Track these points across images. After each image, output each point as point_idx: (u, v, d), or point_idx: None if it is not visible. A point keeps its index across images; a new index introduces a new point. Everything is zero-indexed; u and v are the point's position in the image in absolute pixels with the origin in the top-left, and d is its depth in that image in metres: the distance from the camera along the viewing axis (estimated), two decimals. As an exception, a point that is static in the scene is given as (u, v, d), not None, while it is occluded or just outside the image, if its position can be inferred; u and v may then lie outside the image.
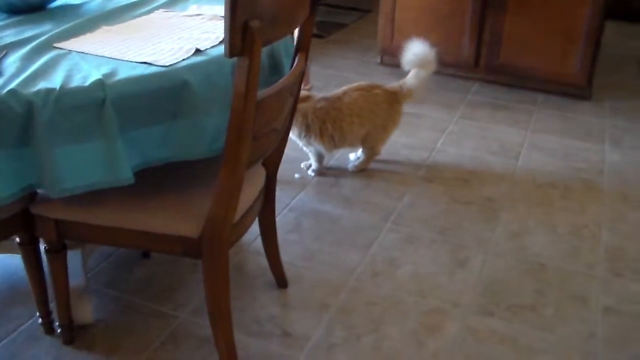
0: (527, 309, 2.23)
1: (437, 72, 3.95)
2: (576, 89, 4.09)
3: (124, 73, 1.56)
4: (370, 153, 3.07)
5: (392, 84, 3.05)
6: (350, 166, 3.10)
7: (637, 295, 2.33)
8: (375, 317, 2.17)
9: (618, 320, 2.20)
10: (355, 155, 3.16)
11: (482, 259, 2.50)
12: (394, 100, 3.00)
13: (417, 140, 3.47)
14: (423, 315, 2.18)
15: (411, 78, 3.02)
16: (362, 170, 3.09)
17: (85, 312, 2.06)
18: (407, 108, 3.77)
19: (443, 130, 3.60)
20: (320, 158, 3.00)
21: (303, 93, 2.74)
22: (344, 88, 2.96)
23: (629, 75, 4.59)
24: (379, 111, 2.95)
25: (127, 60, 1.65)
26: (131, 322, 2.10)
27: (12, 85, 1.47)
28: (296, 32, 1.87)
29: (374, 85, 3.00)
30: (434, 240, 2.60)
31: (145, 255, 2.41)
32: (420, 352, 2.03)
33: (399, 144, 3.42)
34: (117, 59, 1.66)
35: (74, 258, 2.00)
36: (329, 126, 2.84)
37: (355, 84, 2.98)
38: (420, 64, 2.99)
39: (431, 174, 3.13)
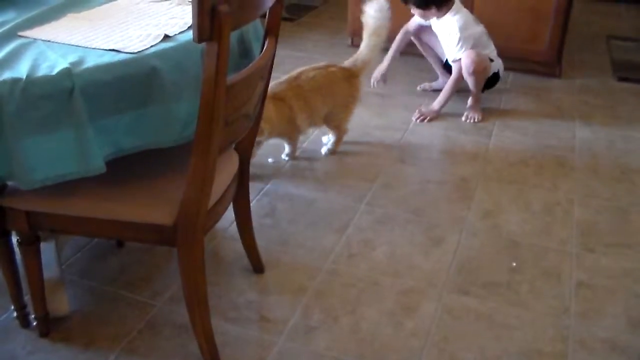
0: (502, 287, 2.26)
1: (407, 53, 3.98)
2: (546, 67, 4.12)
3: (91, 61, 1.54)
4: (338, 132, 3.08)
5: (346, 61, 3.05)
6: (323, 151, 3.10)
7: (609, 270, 2.36)
8: (352, 298, 2.18)
9: (591, 294, 2.24)
10: (327, 138, 3.17)
11: (456, 238, 2.52)
12: (350, 76, 3.01)
13: (390, 121, 3.48)
14: (399, 296, 2.20)
15: (363, 50, 3.02)
16: (334, 151, 3.09)
17: (61, 303, 2.04)
18: (378, 89, 3.78)
19: (414, 111, 3.60)
20: (294, 143, 3.00)
21: None
22: (297, 70, 2.95)
23: (597, 53, 4.63)
24: (338, 89, 2.97)
25: (94, 48, 1.63)
26: (108, 312, 2.09)
27: (-23, 76, 1.45)
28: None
29: (329, 64, 3.00)
30: (408, 220, 2.62)
31: (120, 244, 2.39)
32: (397, 332, 2.04)
33: (371, 125, 3.42)
34: (84, 47, 1.64)
35: (47, 250, 1.98)
36: (302, 102, 2.84)
37: (309, 66, 2.98)
38: (378, 24, 2.96)
39: (404, 155, 3.14)
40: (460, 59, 3.47)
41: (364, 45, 3.03)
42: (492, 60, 3.56)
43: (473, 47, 3.46)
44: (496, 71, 3.61)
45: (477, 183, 2.90)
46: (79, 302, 2.12)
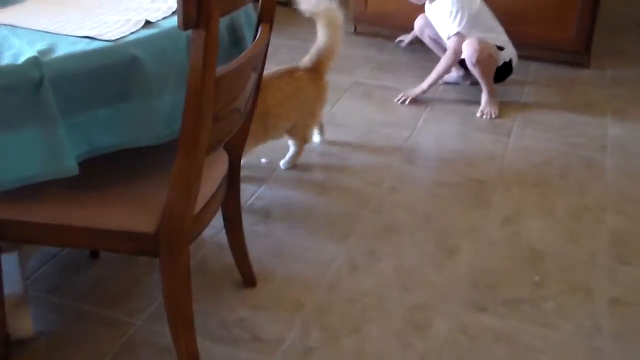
0: (525, 303, 2.26)
1: (418, 41, 3.99)
2: (573, 56, 4.12)
3: (63, 49, 1.54)
4: (302, 143, 3.00)
5: (305, 59, 2.94)
6: (282, 163, 3.01)
7: (645, 284, 2.37)
8: (355, 316, 2.18)
9: (626, 313, 2.23)
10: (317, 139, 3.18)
11: (472, 248, 2.52)
12: (317, 77, 2.92)
13: (396, 118, 3.48)
14: (409, 313, 2.20)
15: (322, 40, 2.89)
16: (295, 164, 3.02)
17: (24, 324, 2.03)
18: (384, 81, 3.79)
19: (425, 106, 3.61)
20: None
21: None
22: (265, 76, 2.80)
23: (630, 40, 4.64)
24: (306, 96, 2.89)
25: (66, 35, 1.63)
26: (79, 332, 2.08)
27: None
28: None
29: (294, 68, 2.90)
30: (418, 228, 2.62)
31: (94, 255, 2.39)
32: (406, 354, 2.04)
33: (376, 122, 3.42)
34: (54, 33, 1.63)
35: (9, 262, 1.97)
36: (260, 124, 2.71)
37: (274, 71, 2.85)
38: (322, 9, 2.84)
39: (413, 155, 3.15)
40: (456, 33, 3.48)
41: (321, 36, 2.90)
42: (502, 49, 3.56)
43: (472, 26, 3.47)
44: (507, 60, 3.61)
45: (495, 186, 2.91)
46: (45, 322, 2.12)
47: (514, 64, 3.65)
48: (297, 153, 3.01)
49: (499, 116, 3.51)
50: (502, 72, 3.63)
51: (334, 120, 3.43)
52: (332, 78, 3.88)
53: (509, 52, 3.61)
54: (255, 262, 2.32)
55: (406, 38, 4.25)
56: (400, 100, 3.62)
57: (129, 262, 2.37)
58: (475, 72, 3.50)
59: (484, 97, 3.58)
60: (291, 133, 2.95)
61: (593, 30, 4.02)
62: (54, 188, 1.70)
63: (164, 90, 1.62)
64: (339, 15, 2.86)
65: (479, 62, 3.44)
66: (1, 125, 1.46)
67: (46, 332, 2.08)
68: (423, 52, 4.12)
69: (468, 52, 3.44)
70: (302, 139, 2.99)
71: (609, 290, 2.33)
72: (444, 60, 3.58)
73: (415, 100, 3.62)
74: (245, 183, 2.80)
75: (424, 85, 3.64)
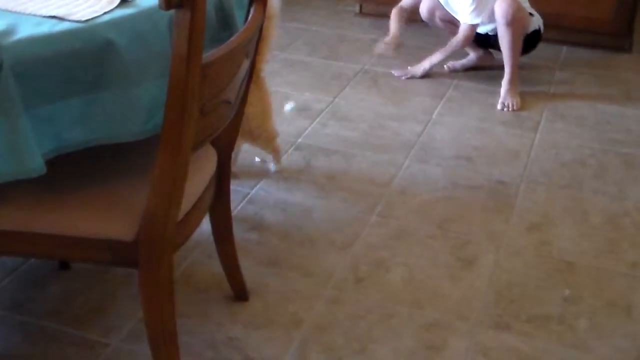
0: (553, 321, 2.26)
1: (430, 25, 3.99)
2: (612, 39, 4.12)
3: (25, 31, 1.54)
4: (270, 143, 2.93)
5: None
6: (271, 166, 3.00)
7: (691, 299, 2.37)
8: (360, 334, 2.18)
9: (667, 331, 2.24)
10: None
11: (493, 257, 2.52)
12: (255, 76, 2.85)
13: (407, 110, 3.49)
14: (421, 331, 2.20)
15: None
16: (281, 164, 3.00)
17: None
18: (393, 68, 3.79)
19: (440, 96, 3.61)
20: None
21: None
22: None
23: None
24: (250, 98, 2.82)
25: (29, 14, 1.62)
26: (45, 354, 2.08)
27: None
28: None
29: None
30: (431, 235, 2.62)
31: (64, 266, 2.39)
32: (419, 379, 2.05)
33: (385, 114, 3.43)
34: (14, 12, 1.63)
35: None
36: None
37: None
38: None
39: (426, 152, 3.15)
40: (474, 24, 3.53)
41: None
42: (531, 15, 3.58)
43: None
44: (537, 28, 3.62)
45: (520, 188, 2.91)
46: (6, 343, 2.12)
47: (542, 31, 3.67)
48: (274, 151, 2.96)
49: (522, 108, 3.51)
50: (532, 40, 3.65)
51: (337, 112, 3.44)
52: (334, 65, 3.91)
53: (538, 20, 3.64)
54: (247, 273, 2.32)
55: (457, 64, 4.01)
56: (401, 77, 3.76)
57: (104, 274, 2.37)
58: (506, 35, 3.48)
59: (504, 84, 3.57)
60: (251, 140, 2.87)
61: (636, 8, 4.02)
62: (18, 190, 1.70)
63: (143, 79, 1.61)
64: (274, 3, 2.83)
65: (514, 22, 3.44)
66: (-45, 118, 1.46)
67: (8, 355, 2.08)
68: (435, 35, 4.12)
69: (501, 10, 3.43)
70: (267, 140, 2.90)
71: (650, 306, 2.34)
72: (454, 43, 3.63)
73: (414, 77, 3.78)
74: (237, 184, 2.81)
75: (426, 65, 3.73)
